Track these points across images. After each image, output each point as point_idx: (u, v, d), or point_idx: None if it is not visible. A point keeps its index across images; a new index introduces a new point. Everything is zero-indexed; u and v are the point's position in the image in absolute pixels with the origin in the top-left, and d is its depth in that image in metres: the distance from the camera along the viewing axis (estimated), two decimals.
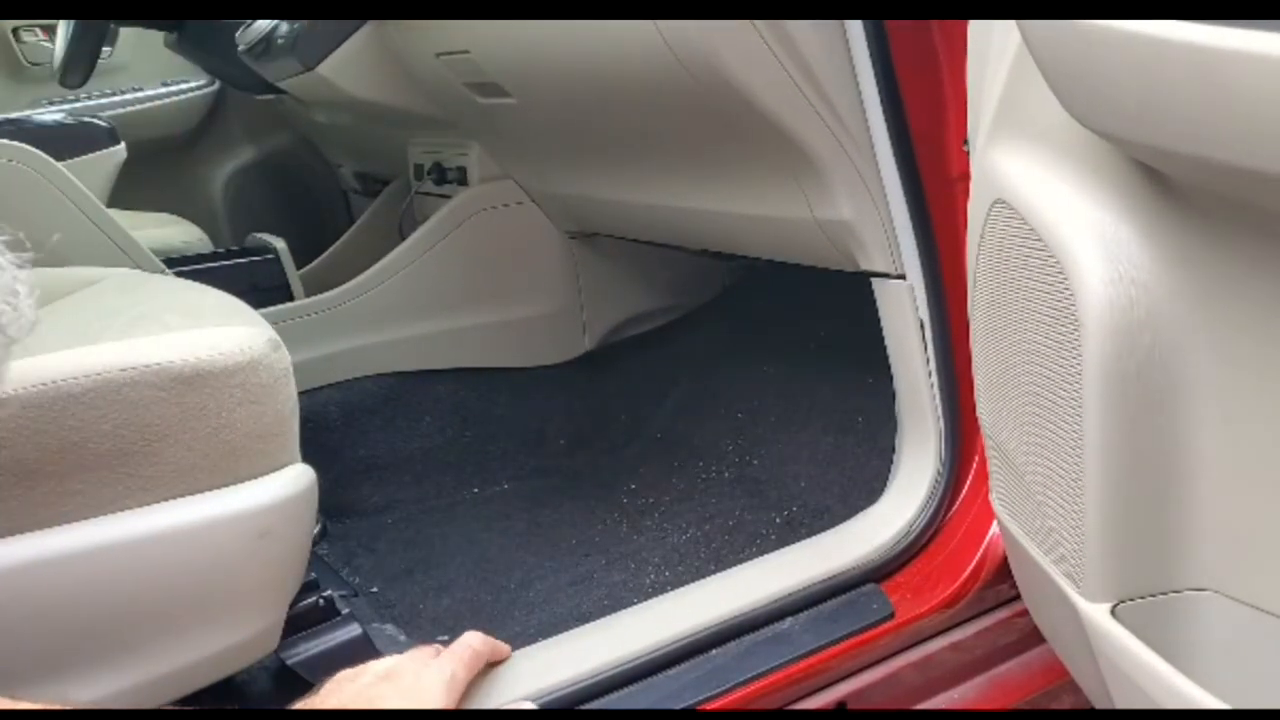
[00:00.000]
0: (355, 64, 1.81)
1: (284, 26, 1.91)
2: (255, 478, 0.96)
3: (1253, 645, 0.79)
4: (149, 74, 2.87)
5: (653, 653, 1.11)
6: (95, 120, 2.12)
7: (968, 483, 1.26)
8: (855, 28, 1.15)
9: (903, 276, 1.25)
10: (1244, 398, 0.75)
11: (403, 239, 1.91)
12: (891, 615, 1.19)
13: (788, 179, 1.29)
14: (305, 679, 1.11)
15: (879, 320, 1.31)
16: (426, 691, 0.86)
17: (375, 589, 1.46)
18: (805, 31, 1.15)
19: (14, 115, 2.09)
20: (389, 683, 0.86)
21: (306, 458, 1.01)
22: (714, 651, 1.13)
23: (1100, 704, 0.94)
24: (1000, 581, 1.21)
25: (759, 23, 1.14)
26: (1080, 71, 0.69)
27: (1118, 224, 0.76)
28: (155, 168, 2.69)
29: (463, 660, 0.94)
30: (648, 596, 1.23)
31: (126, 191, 2.12)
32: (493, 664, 1.05)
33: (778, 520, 1.52)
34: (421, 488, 1.74)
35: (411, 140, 2.10)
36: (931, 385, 1.25)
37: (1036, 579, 0.96)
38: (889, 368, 1.32)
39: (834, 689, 1.18)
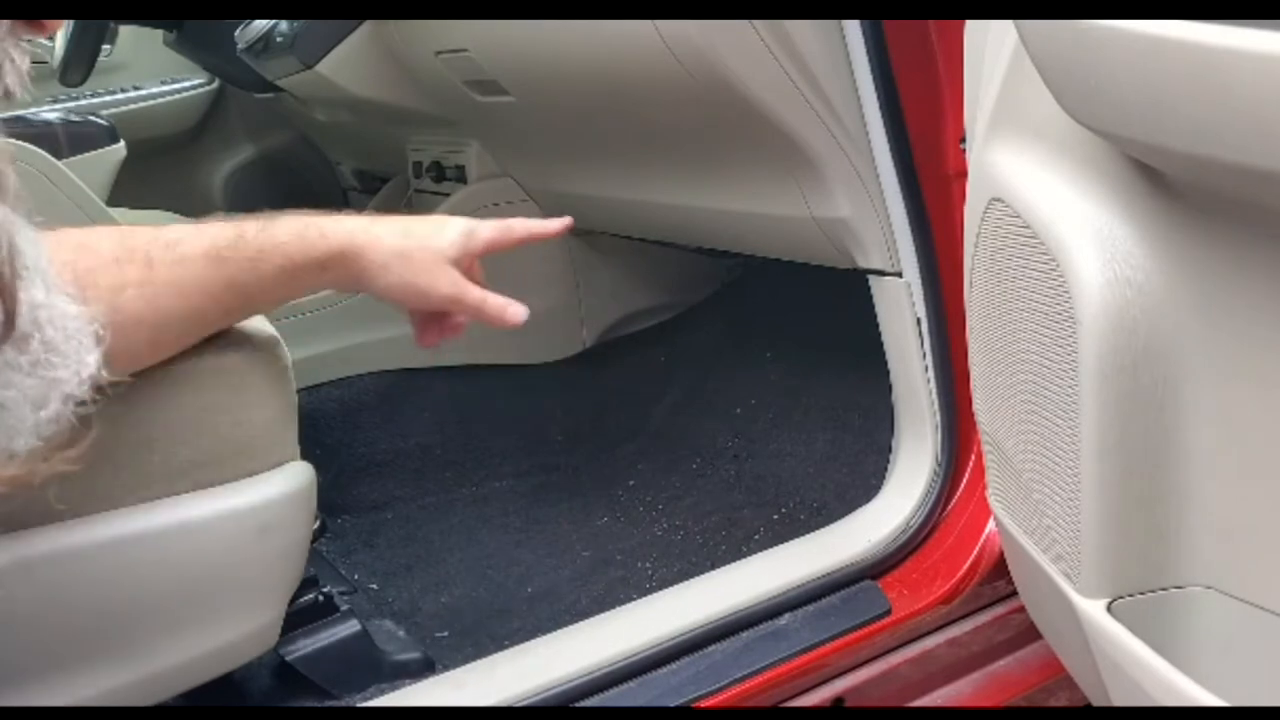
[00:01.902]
0: (354, 62, 1.81)
1: (283, 25, 1.91)
2: (254, 475, 0.96)
3: (1249, 642, 0.79)
4: (149, 72, 2.86)
5: (650, 649, 1.11)
6: (95, 119, 2.12)
7: (964, 479, 1.27)
8: (853, 27, 1.15)
9: (900, 274, 1.25)
10: (1240, 394, 0.75)
11: None
12: (888, 611, 1.19)
13: (785, 177, 1.29)
14: (304, 675, 1.11)
15: (876, 318, 1.31)
16: (448, 230, 0.96)
17: (374, 585, 1.46)
18: (803, 31, 1.15)
19: (14, 114, 2.09)
20: (421, 220, 0.98)
21: (306, 455, 1.01)
22: (711, 648, 1.14)
23: (1097, 700, 0.95)
24: (997, 578, 1.21)
25: (757, 22, 1.14)
26: (1077, 70, 0.69)
27: (1114, 222, 0.77)
28: (155, 166, 2.69)
29: (488, 224, 1.01)
30: (645, 593, 1.24)
31: (126, 190, 2.12)
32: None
33: (775, 517, 1.53)
34: (420, 484, 1.74)
35: (410, 138, 2.10)
36: (928, 382, 1.25)
37: (1033, 575, 0.96)
38: (886, 365, 1.32)
39: (831, 685, 1.18)
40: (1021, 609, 1.15)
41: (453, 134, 1.93)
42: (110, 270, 0.79)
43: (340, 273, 0.92)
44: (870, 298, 1.31)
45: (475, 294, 0.97)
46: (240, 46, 2.10)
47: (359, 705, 1.08)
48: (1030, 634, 1.19)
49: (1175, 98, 0.62)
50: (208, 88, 2.90)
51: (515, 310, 1.00)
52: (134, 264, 0.80)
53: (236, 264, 0.86)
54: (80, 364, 0.60)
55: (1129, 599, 0.83)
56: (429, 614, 1.39)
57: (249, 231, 0.87)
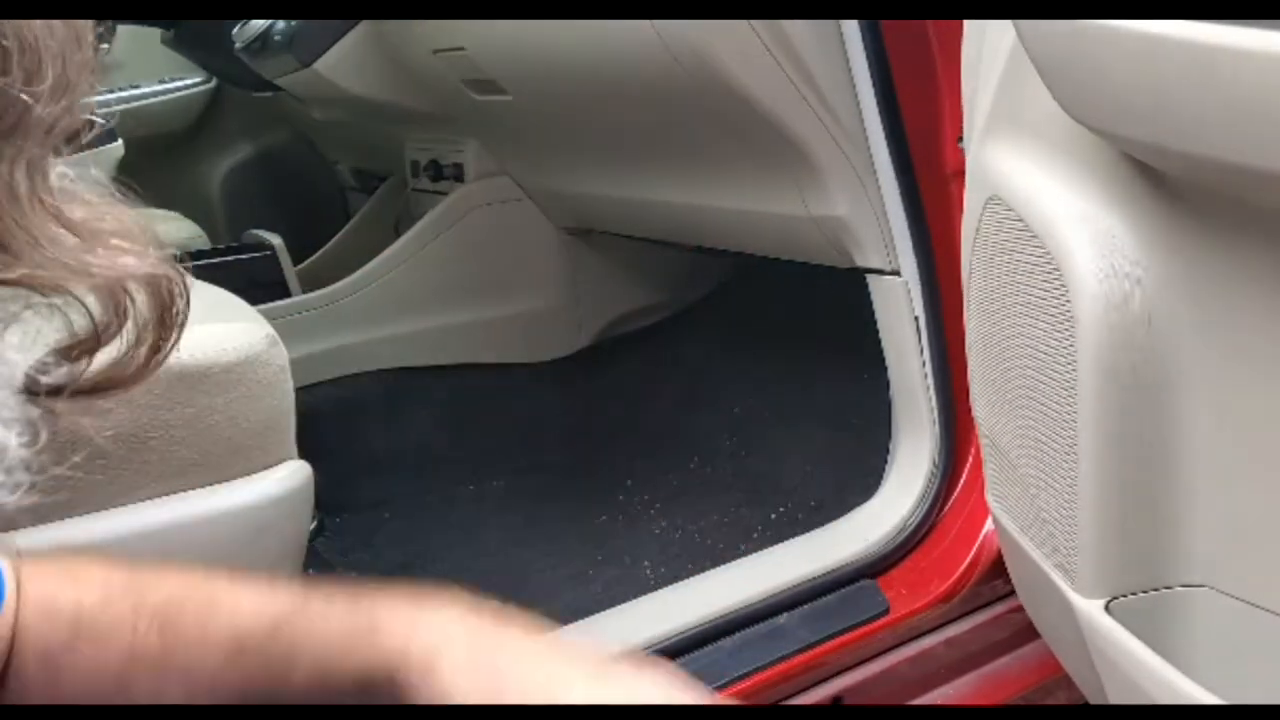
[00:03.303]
0: (352, 61, 1.81)
1: (281, 24, 1.91)
2: (252, 474, 0.96)
3: (1246, 641, 0.79)
4: (146, 71, 2.86)
5: (648, 648, 1.11)
6: (92, 117, 2.11)
7: (963, 478, 1.27)
8: (851, 27, 1.15)
9: (898, 273, 1.25)
10: (1238, 393, 0.75)
11: (399, 235, 1.91)
12: (887, 610, 1.19)
13: (784, 176, 1.29)
14: None
15: (874, 316, 1.31)
16: None
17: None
18: (801, 31, 1.15)
19: None
20: None
21: (303, 454, 1.02)
22: (710, 647, 1.14)
23: (1095, 699, 0.95)
24: (995, 577, 1.21)
25: (755, 22, 1.14)
26: (1075, 68, 0.69)
27: (1112, 220, 0.77)
28: (152, 165, 2.68)
29: None
30: (643, 592, 1.23)
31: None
32: None
33: (773, 516, 1.53)
34: (418, 483, 1.74)
35: (408, 137, 2.10)
36: (926, 381, 1.25)
37: (1031, 574, 0.96)
38: (884, 364, 1.32)
39: (830, 684, 1.18)
40: (1019, 608, 1.15)
41: (450, 132, 1.93)
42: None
43: None
44: (868, 297, 1.31)
45: None
46: (238, 45, 2.10)
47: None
48: (1028, 633, 1.19)
49: (1174, 97, 0.62)
50: (205, 86, 2.89)
51: None
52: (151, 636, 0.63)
53: None
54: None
55: (1126, 598, 0.83)
56: None
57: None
